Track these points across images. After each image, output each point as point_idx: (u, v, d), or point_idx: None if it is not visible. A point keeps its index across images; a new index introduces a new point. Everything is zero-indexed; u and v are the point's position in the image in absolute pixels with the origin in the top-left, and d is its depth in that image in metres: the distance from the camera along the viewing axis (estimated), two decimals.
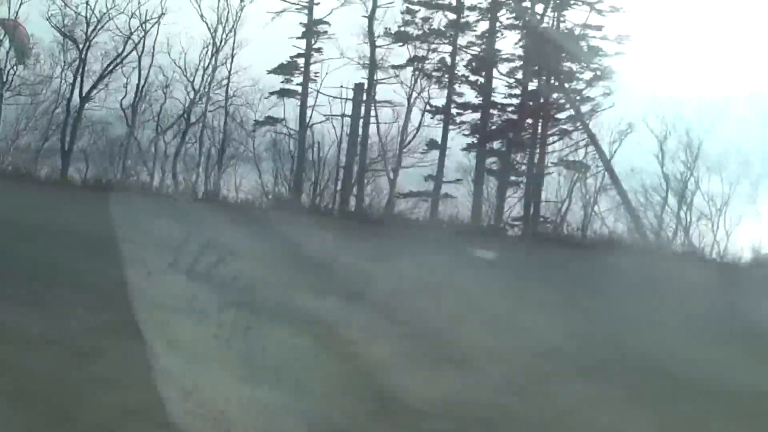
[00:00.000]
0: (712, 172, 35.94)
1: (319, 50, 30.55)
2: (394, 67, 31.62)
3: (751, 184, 35.19)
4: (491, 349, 11.10)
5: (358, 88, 30.73)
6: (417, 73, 32.08)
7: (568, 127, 30.70)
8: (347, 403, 7.92)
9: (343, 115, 30.84)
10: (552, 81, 30.96)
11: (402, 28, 31.80)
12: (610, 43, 31.62)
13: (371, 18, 30.19)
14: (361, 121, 31.41)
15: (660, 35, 37.24)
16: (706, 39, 32.93)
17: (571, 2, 31.80)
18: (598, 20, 31.62)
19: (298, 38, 30.67)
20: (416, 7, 31.76)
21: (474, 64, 31.09)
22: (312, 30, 30.17)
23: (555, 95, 31.11)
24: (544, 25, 30.78)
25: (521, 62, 30.98)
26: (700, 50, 34.43)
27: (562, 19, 31.76)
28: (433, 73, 32.24)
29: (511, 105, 31.21)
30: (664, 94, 32.94)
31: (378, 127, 32.23)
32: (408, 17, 31.81)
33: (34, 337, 8.70)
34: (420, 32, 31.99)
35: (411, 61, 31.92)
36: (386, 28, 31.87)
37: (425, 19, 31.91)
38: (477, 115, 31.33)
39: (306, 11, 30.29)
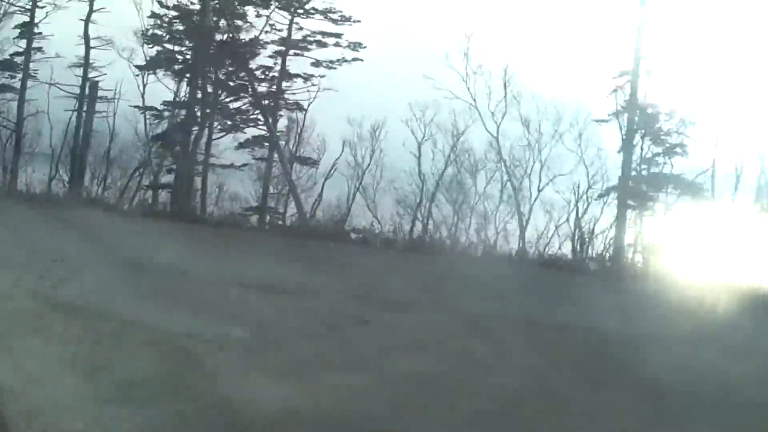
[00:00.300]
0: (470, 173, 38.85)
1: (40, 49, 32.88)
2: (138, 67, 34.01)
3: (512, 185, 37.90)
4: None
5: (93, 85, 33.08)
6: (167, 72, 34.55)
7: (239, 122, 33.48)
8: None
9: (74, 110, 33.14)
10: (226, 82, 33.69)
11: (151, 31, 34.25)
12: (344, 49, 34.45)
13: (87, 21, 32.48)
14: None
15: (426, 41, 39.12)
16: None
17: (308, 10, 34.48)
18: (335, 29, 34.53)
19: (16, 38, 33.01)
20: (162, 11, 34.24)
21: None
22: (31, 30, 32.55)
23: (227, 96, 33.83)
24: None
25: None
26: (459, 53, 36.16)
27: (297, 25, 34.49)
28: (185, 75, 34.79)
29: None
30: (425, 98, 35.60)
31: (146, 125, 34.89)
32: (156, 21, 34.29)
33: None
34: (168, 35, 34.48)
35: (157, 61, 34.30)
36: (143, 30, 34.32)
37: (170, 23, 34.34)
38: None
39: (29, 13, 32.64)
